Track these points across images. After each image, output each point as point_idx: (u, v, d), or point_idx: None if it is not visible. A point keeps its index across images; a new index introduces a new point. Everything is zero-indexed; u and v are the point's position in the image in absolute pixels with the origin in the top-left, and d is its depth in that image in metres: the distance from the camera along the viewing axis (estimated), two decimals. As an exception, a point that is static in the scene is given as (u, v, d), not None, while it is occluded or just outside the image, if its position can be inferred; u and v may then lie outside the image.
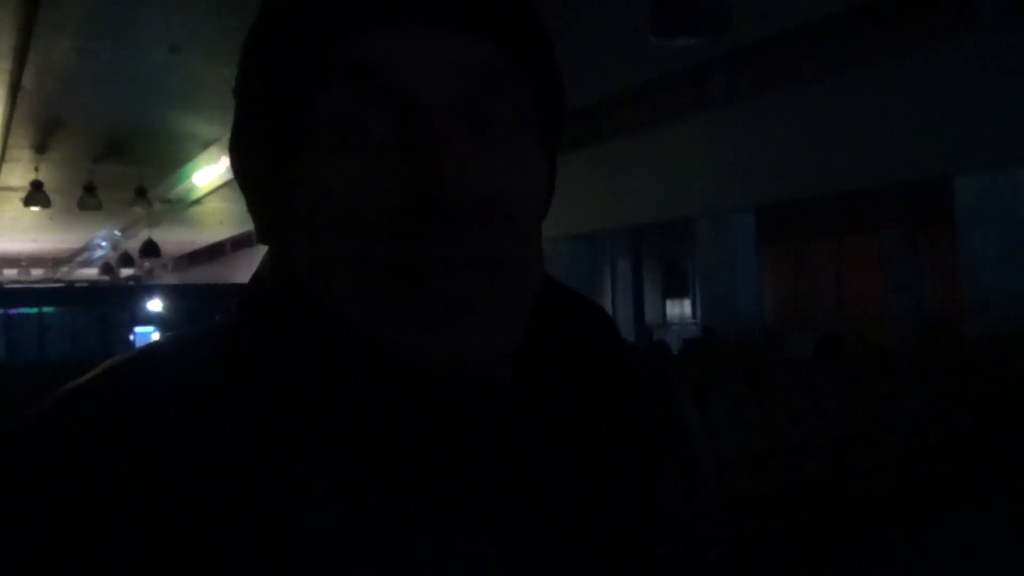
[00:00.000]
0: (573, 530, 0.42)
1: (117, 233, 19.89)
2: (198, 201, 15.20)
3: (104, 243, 21.96)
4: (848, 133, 8.42)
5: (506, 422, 0.41)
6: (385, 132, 0.38)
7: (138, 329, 13.90)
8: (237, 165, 0.45)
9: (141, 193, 12.65)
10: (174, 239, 20.23)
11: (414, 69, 0.38)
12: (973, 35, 7.53)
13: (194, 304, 14.28)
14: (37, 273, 28.06)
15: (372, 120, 0.38)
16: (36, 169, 11.77)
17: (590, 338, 0.50)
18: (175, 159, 12.43)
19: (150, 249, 15.63)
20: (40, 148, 11.20)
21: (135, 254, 18.30)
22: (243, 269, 19.69)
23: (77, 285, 23.36)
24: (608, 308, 0.55)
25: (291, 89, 0.39)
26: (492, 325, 0.39)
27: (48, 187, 11.83)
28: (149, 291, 16.12)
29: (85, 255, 24.43)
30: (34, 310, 13.81)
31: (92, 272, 25.91)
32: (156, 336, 8.58)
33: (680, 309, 13.01)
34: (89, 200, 12.13)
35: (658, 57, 8.43)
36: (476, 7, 0.39)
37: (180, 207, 15.62)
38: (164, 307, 14.62)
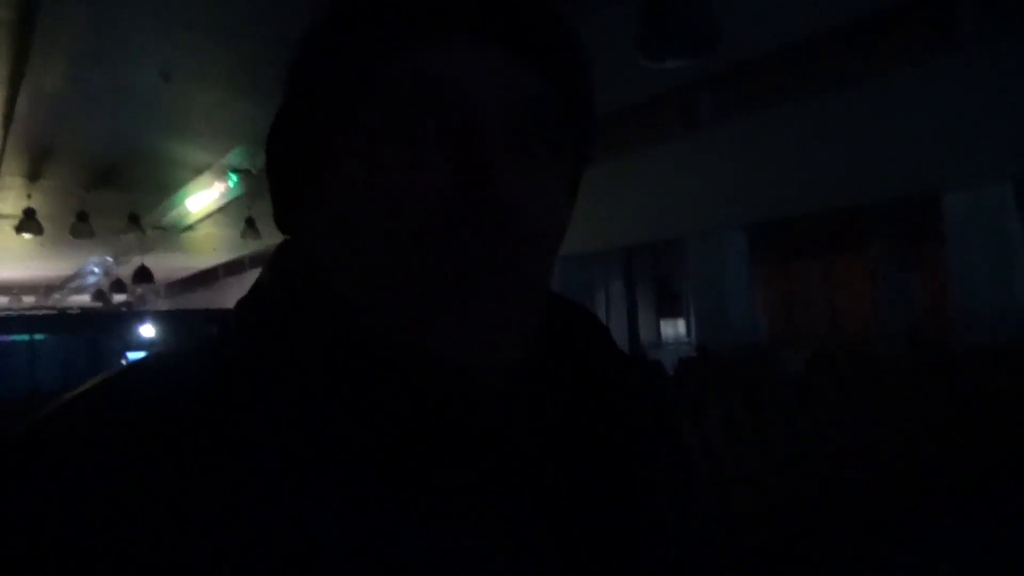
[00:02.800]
0: (573, 531, 0.42)
1: (109, 259, 19.81)
2: (191, 227, 15.17)
3: (96, 269, 21.86)
4: (837, 151, 8.48)
5: (508, 425, 0.42)
6: (436, 139, 0.39)
7: (131, 355, 13.83)
8: (275, 155, 0.46)
9: (134, 220, 12.63)
10: (167, 265, 20.15)
11: (474, 84, 0.39)
12: (956, 53, 7.63)
13: (187, 329, 14.23)
14: (29, 300, 27.88)
15: (426, 123, 0.39)
16: (29, 196, 11.75)
17: (585, 345, 0.51)
18: (168, 185, 12.42)
19: (143, 275, 15.56)
20: (33, 176, 11.19)
21: (127, 280, 18.22)
22: (235, 295, 19.31)
23: (69, 312, 23.23)
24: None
25: (348, 86, 0.41)
26: (508, 331, 0.41)
27: (40, 214, 11.80)
28: (141, 317, 16.05)
29: (77, 282, 24.30)
30: (25, 337, 13.73)
31: (84, 299, 25.77)
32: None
33: (675, 329, 13.00)
34: (82, 227, 12.10)
35: (646, 78, 8.50)
36: (538, 36, 0.41)
37: (173, 233, 15.58)
38: (156, 333, 14.56)
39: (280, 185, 0.46)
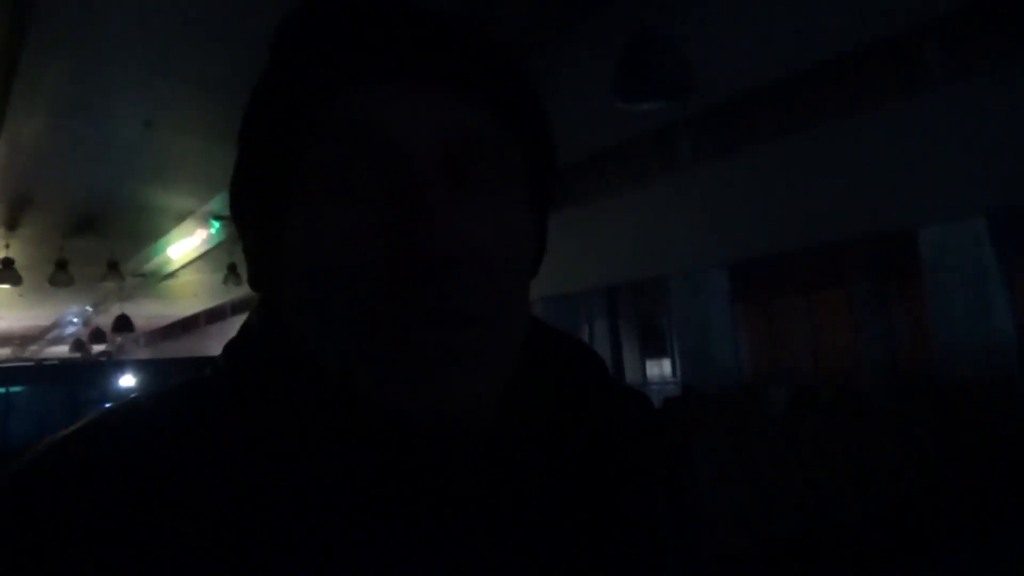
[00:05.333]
0: (564, 561, 0.42)
1: (89, 308, 19.62)
2: (172, 274, 15.08)
3: (75, 319, 21.62)
4: (812, 189, 8.63)
5: (491, 466, 0.42)
6: (371, 186, 0.39)
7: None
8: (235, 211, 0.46)
9: (113, 267, 12.52)
10: (147, 313, 19.98)
11: (402, 126, 0.39)
12: (926, 91, 7.83)
13: (168, 379, 13.97)
14: (4, 352, 27.46)
15: (358, 173, 0.39)
16: (7, 246, 11.65)
17: (578, 378, 0.50)
18: (148, 233, 12.37)
19: (123, 324, 15.40)
20: (11, 225, 11.11)
21: (107, 329, 18.02)
22: (217, 342, 19.16)
23: (46, 363, 22.85)
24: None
25: (284, 140, 0.40)
26: (471, 378, 0.39)
27: (18, 264, 11.67)
28: (121, 367, 15.80)
29: (55, 332, 23.99)
30: (0, 390, 13.45)
31: (63, 349, 25.42)
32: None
33: (659, 368, 13.00)
34: (60, 276, 11.97)
35: (626, 121, 8.65)
36: (465, 69, 0.40)
37: (153, 281, 15.48)
38: (137, 383, 14.32)
39: (244, 240, 0.46)
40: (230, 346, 0.46)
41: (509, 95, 0.43)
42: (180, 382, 0.44)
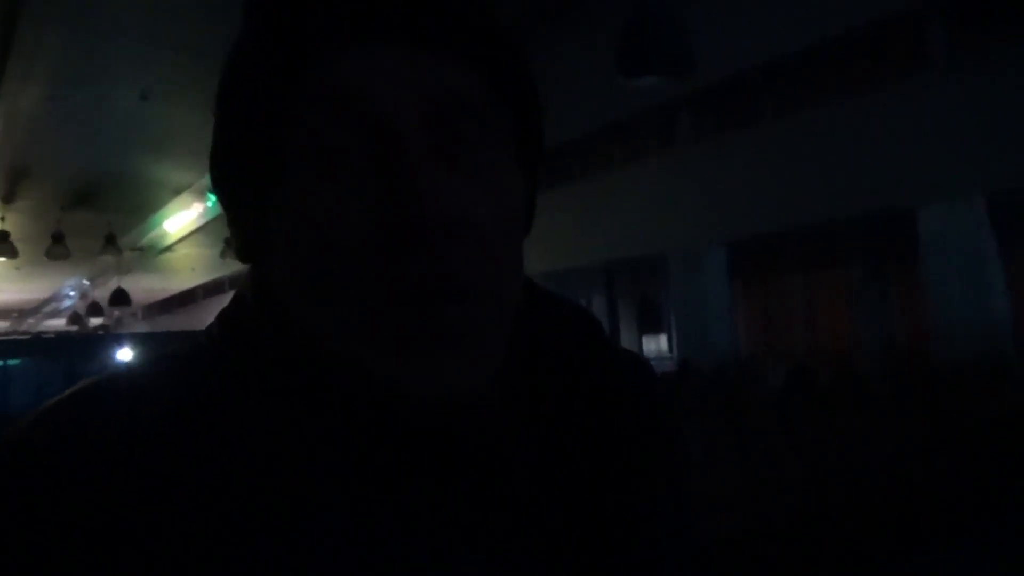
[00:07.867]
0: (563, 541, 0.42)
1: (86, 282, 19.59)
2: (169, 248, 15.05)
3: (72, 293, 21.61)
4: (814, 168, 8.61)
5: (490, 436, 0.41)
6: (357, 156, 0.37)
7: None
8: (217, 184, 0.44)
9: (111, 241, 12.49)
10: (144, 287, 19.96)
11: (385, 92, 0.37)
12: (928, 72, 7.79)
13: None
14: (2, 326, 27.47)
15: (342, 145, 0.37)
16: (2, 219, 11.60)
17: (575, 342, 0.49)
18: (145, 206, 12.34)
19: (120, 298, 15.37)
20: (7, 197, 11.07)
21: (104, 303, 18.00)
22: (214, 316, 19.16)
23: (44, 336, 22.87)
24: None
25: (266, 111, 0.39)
26: (467, 350, 0.39)
27: (15, 237, 11.64)
28: (118, 340, 15.83)
29: (52, 305, 23.99)
30: (-2, 362, 13.47)
31: (60, 323, 25.42)
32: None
33: (656, 345, 13.06)
34: (57, 249, 11.93)
35: (626, 98, 8.60)
36: (449, 29, 0.39)
37: (150, 254, 15.46)
38: (134, 356, 14.35)
39: (229, 213, 0.45)
40: (223, 315, 0.45)
41: (494, 53, 0.41)
42: (173, 349, 0.43)
